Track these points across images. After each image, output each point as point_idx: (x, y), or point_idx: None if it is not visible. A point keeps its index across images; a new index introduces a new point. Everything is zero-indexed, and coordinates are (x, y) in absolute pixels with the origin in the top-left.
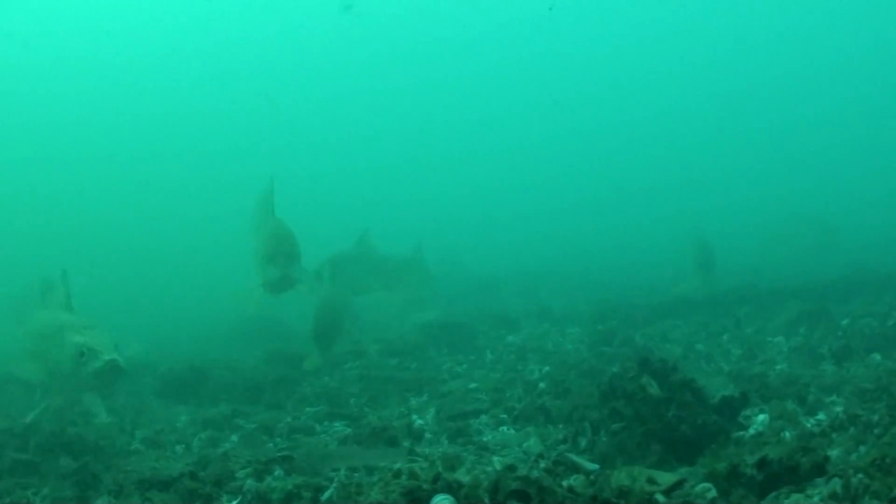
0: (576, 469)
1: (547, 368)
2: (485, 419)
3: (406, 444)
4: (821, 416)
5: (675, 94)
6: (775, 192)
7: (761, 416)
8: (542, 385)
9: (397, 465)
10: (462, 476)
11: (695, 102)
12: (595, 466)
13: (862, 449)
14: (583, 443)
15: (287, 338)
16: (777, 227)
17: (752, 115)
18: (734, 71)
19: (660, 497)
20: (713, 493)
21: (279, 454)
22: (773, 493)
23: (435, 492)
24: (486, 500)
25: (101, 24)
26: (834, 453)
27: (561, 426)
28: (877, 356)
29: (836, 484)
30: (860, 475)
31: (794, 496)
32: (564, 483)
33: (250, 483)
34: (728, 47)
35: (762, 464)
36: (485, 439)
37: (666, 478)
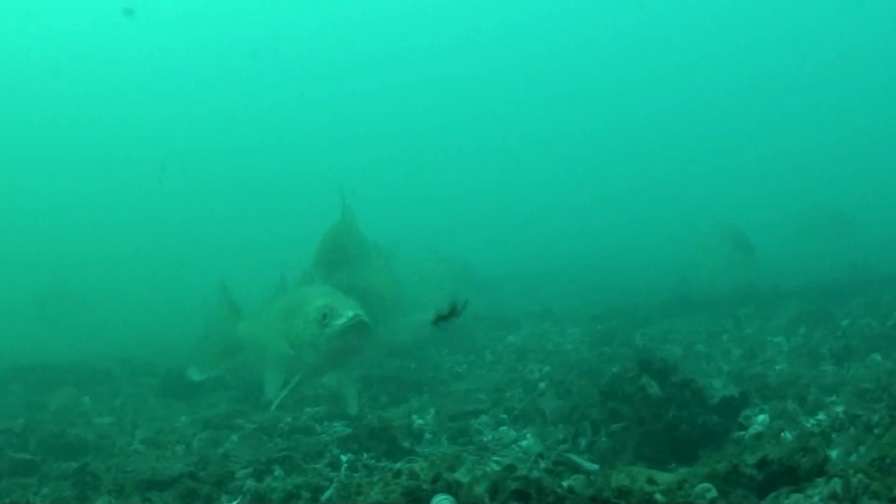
0: (576, 469)
1: (547, 368)
2: (485, 419)
3: (406, 444)
4: (821, 416)
5: (673, 95)
6: (773, 193)
7: (761, 416)
8: (542, 385)
9: (398, 465)
10: (462, 476)
11: (693, 103)
12: (595, 466)
13: (862, 449)
14: (583, 443)
15: None
16: (776, 228)
17: (750, 116)
18: (728, 70)
19: (660, 497)
20: (713, 493)
21: (279, 454)
22: (773, 493)
23: (435, 492)
24: (486, 500)
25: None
26: (834, 453)
27: (561, 426)
28: (877, 356)
29: (836, 484)
30: (860, 475)
31: (794, 496)
32: (564, 483)
33: (250, 483)
34: (719, 47)
35: (762, 464)
36: (485, 439)
37: (666, 478)
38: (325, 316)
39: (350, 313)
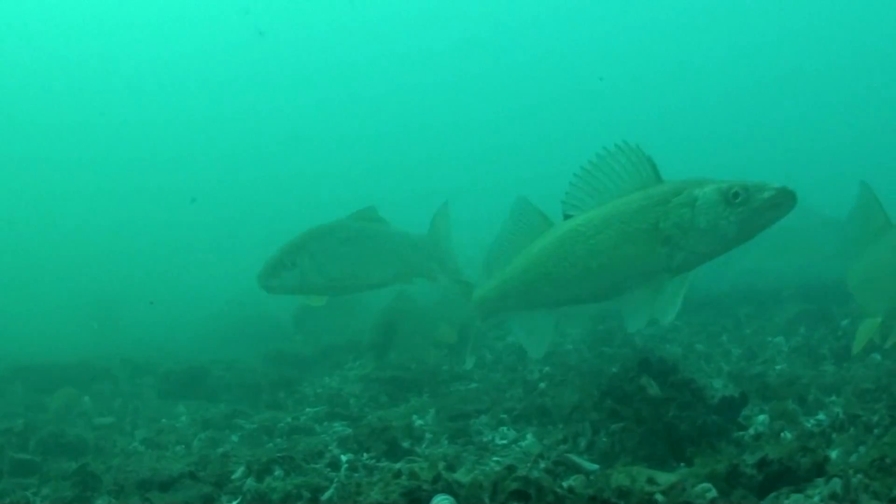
0: (576, 469)
1: (547, 368)
2: (485, 419)
3: (406, 444)
4: (821, 416)
5: (670, 95)
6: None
7: (761, 416)
8: (542, 385)
9: (398, 465)
10: (462, 476)
11: (689, 104)
12: (595, 467)
13: (862, 449)
14: (583, 443)
15: (287, 338)
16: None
17: (749, 115)
18: (725, 71)
19: (660, 497)
20: (713, 493)
21: (279, 454)
22: (773, 493)
23: (435, 492)
24: (486, 501)
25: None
26: (834, 453)
27: (561, 426)
28: (877, 356)
29: (836, 484)
30: (860, 475)
31: (794, 496)
32: (564, 483)
33: (250, 483)
34: (716, 48)
35: (762, 464)
36: (485, 439)
37: (666, 478)
38: (736, 195)
39: (776, 184)
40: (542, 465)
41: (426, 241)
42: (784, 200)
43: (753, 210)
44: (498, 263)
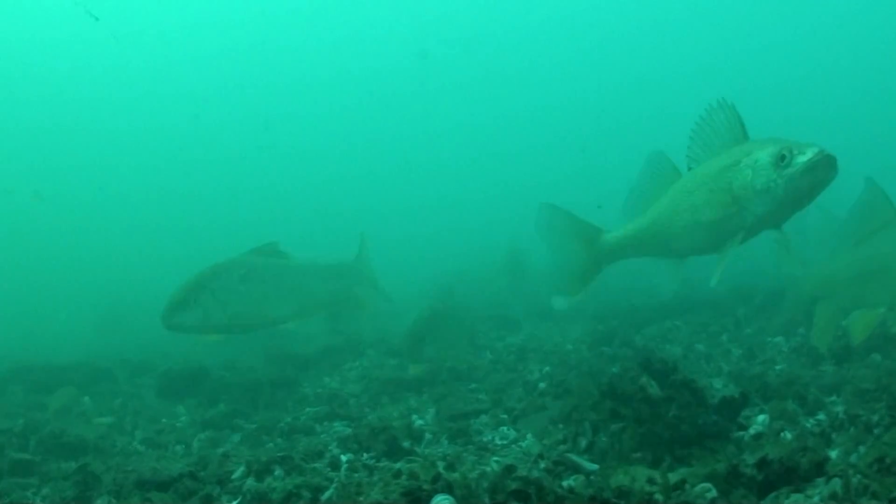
0: (576, 469)
1: (547, 368)
2: (485, 419)
3: (406, 444)
4: (821, 416)
5: (666, 97)
6: None
7: (761, 416)
8: (542, 385)
9: (398, 465)
10: (462, 476)
11: (686, 106)
12: (595, 467)
13: (862, 449)
14: (583, 443)
15: (287, 338)
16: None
17: (750, 116)
18: (721, 74)
19: (660, 497)
20: (713, 493)
21: (279, 454)
22: (773, 493)
23: (435, 492)
24: (486, 501)
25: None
26: (834, 453)
27: (561, 426)
28: (877, 356)
29: (836, 484)
30: (860, 475)
31: (794, 496)
32: (564, 483)
33: (250, 483)
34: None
35: (762, 464)
36: (485, 439)
37: (666, 478)
38: (783, 157)
39: (815, 148)
40: (542, 465)
41: (349, 268)
42: (818, 164)
43: (793, 174)
44: (633, 212)
